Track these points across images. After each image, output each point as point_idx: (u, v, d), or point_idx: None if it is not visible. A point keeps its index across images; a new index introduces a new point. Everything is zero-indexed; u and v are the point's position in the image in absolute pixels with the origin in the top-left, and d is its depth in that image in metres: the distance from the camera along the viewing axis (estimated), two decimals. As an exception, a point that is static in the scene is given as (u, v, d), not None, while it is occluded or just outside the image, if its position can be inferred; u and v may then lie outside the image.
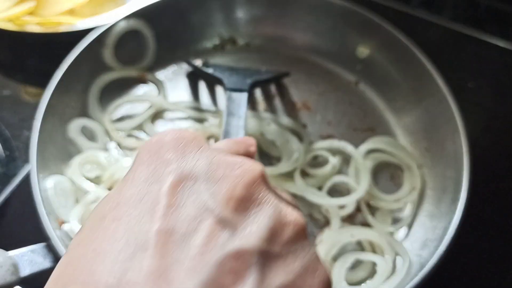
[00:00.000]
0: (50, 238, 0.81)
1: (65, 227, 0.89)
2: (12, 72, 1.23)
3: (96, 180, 0.97)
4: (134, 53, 1.13)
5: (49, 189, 0.89)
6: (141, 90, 1.12)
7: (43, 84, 1.18)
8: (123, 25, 1.07)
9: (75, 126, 1.01)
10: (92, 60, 1.06)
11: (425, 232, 0.94)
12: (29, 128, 1.10)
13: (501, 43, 1.27)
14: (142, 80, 1.13)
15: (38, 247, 0.83)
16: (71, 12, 1.22)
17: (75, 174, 0.96)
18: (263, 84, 1.10)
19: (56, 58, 1.01)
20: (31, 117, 1.12)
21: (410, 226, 0.96)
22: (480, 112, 1.17)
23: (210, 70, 1.09)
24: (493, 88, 1.22)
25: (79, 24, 1.15)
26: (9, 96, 1.19)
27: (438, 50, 1.04)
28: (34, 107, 1.15)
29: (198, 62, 1.13)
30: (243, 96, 0.99)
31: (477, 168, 0.92)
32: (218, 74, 1.07)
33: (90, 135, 1.02)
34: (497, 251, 1.00)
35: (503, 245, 1.01)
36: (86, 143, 1.00)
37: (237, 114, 0.92)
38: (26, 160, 1.05)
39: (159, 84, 1.12)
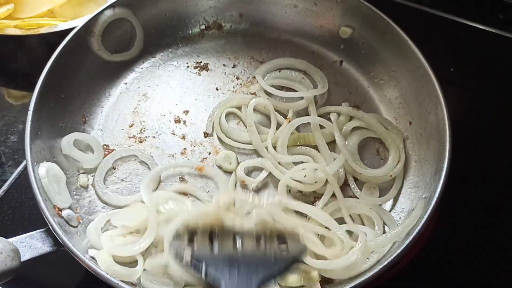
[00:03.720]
0: (49, 223, 0.84)
1: (64, 213, 0.91)
2: (-6, 76, 1.24)
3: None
4: (122, 41, 1.14)
5: (42, 177, 0.90)
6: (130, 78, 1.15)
7: (26, 87, 1.20)
8: (109, 13, 1.09)
9: (67, 142, 1.00)
10: (80, 52, 1.07)
11: (410, 203, 0.97)
12: (14, 132, 1.13)
13: (480, 26, 1.31)
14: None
15: (37, 233, 0.86)
16: (51, 13, 1.22)
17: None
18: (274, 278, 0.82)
19: (39, 60, 1.01)
20: (16, 121, 1.14)
21: (396, 197, 1.00)
22: (462, 94, 1.21)
23: (203, 268, 0.77)
24: (474, 70, 1.26)
25: (60, 25, 1.15)
26: (-7, 101, 1.19)
27: (419, 35, 1.06)
28: (19, 110, 1.16)
29: (186, 257, 0.79)
30: None
31: (459, 143, 0.95)
32: (216, 273, 0.75)
33: (84, 147, 1.03)
34: (477, 222, 1.05)
35: (483, 217, 1.06)
36: (82, 155, 1.01)
37: None
38: (14, 165, 1.08)
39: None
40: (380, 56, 1.13)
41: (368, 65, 1.15)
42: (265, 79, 1.13)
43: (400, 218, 0.96)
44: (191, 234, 0.83)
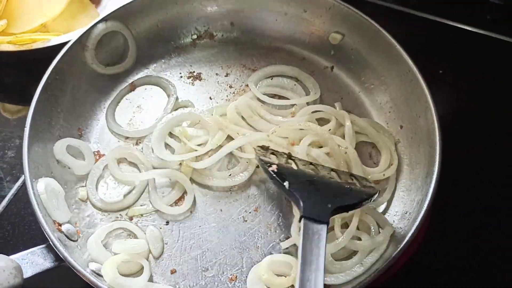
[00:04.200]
0: (50, 239, 0.85)
1: (64, 227, 0.93)
2: (-11, 91, 1.25)
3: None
4: (115, 54, 1.16)
5: (41, 193, 0.92)
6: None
7: (22, 101, 1.21)
8: (101, 27, 1.10)
9: (60, 147, 1.02)
10: (74, 66, 1.09)
11: (403, 206, 0.99)
12: (12, 147, 1.14)
13: (469, 27, 1.32)
14: (132, 89, 1.16)
15: (38, 249, 0.87)
16: (44, 28, 1.24)
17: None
18: (345, 210, 0.89)
19: (34, 74, 1.03)
20: (13, 136, 1.15)
21: (390, 201, 1.02)
22: (451, 96, 1.23)
23: (286, 184, 0.87)
24: (463, 72, 1.28)
25: (53, 39, 1.17)
26: (-11, 116, 1.20)
27: (407, 38, 1.08)
28: (15, 125, 1.18)
29: (273, 167, 0.91)
30: (322, 232, 0.80)
31: (450, 146, 0.97)
32: (295, 191, 0.86)
33: (77, 154, 1.04)
34: (469, 225, 1.06)
35: (475, 220, 1.07)
36: (74, 162, 1.02)
37: (314, 262, 0.76)
38: (12, 180, 1.10)
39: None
40: (369, 61, 1.14)
41: (358, 70, 1.16)
42: (257, 87, 1.15)
43: (393, 221, 0.98)
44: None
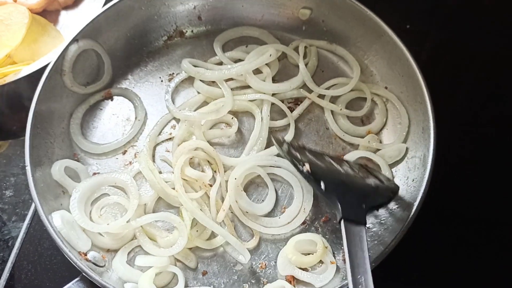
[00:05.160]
0: (84, 271, 0.86)
1: (89, 256, 0.93)
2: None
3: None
4: (91, 72, 1.14)
5: (61, 228, 0.91)
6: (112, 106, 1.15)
7: (1, 137, 1.17)
8: (73, 48, 1.08)
9: (57, 168, 1.01)
10: (56, 93, 1.07)
11: (407, 167, 1.04)
12: (8, 187, 1.12)
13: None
14: (108, 97, 1.15)
15: (73, 284, 0.88)
16: (9, 58, 1.18)
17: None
18: (376, 209, 0.92)
19: (13, 108, 1.03)
20: (6, 174, 1.12)
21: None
22: (423, 45, 1.27)
23: (322, 186, 0.88)
24: (428, 26, 1.32)
25: (24, 69, 1.13)
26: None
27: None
28: (5, 163, 1.12)
29: (306, 167, 0.91)
30: (362, 233, 0.82)
31: (435, 89, 1.01)
32: (332, 193, 0.87)
33: (74, 175, 1.04)
34: (469, 188, 1.12)
35: (473, 180, 1.13)
36: (70, 183, 1.01)
37: (362, 265, 0.78)
38: (18, 220, 1.08)
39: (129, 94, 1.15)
40: (342, 30, 1.17)
41: (333, 41, 1.19)
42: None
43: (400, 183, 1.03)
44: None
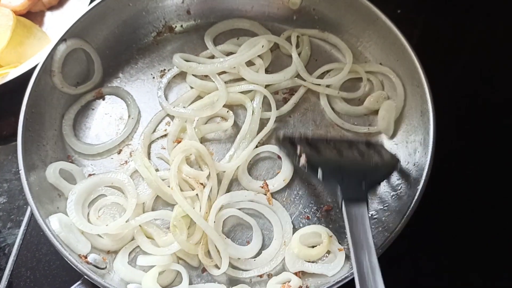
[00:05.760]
0: (86, 274, 0.84)
1: (90, 258, 0.91)
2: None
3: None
4: (81, 72, 1.12)
5: (59, 232, 0.89)
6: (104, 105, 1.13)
7: None
8: (62, 48, 1.06)
9: (52, 171, 0.99)
10: (46, 95, 1.05)
11: (406, 149, 1.03)
12: (1, 193, 1.09)
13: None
14: (100, 96, 1.13)
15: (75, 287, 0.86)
16: None
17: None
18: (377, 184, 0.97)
19: (1, 112, 1.01)
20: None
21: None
22: (414, 30, 1.26)
23: (320, 174, 0.88)
24: (419, 11, 1.31)
25: (12, 72, 1.11)
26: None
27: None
28: None
29: (303, 159, 0.91)
30: (364, 211, 0.82)
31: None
32: (330, 179, 0.88)
33: (69, 177, 1.02)
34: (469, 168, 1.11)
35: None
36: (66, 185, 0.99)
37: (364, 243, 0.78)
38: (14, 226, 1.05)
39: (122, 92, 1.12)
40: (334, 18, 1.15)
41: (325, 29, 1.17)
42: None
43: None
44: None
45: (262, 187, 1.01)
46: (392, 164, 0.94)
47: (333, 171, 0.88)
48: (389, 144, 1.05)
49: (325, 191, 1.01)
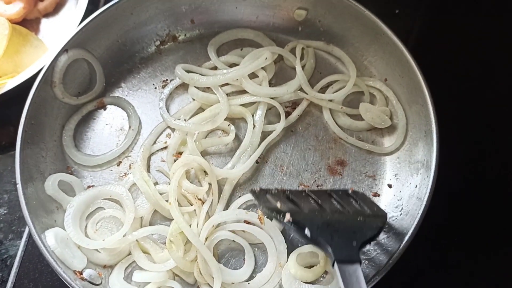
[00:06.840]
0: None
1: (85, 274, 0.90)
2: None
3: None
4: (83, 82, 1.11)
5: (54, 248, 0.89)
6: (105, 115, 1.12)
7: None
8: (64, 58, 1.05)
9: (51, 183, 0.98)
10: (46, 106, 1.04)
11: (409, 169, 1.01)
12: (2, 204, 1.08)
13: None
14: (101, 106, 1.12)
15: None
16: None
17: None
18: (368, 242, 0.87)
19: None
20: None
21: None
22: (412, 30, 1.23)
23: (307, 233, 0.83)
24: (416, 10, 1.28)
25: (10, 82, 1.10)
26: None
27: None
28: None
29: (287, 217, 0.85)
30: (358, 271, 0.78)
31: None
32: (319, 238, 0.82)
33: (68, 188, 1.01)
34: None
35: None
36: (64, 197, 0.99)
37: None
38: (15, 237, 1.05)
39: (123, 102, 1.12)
40: (339, 30, 1.14)
41: (330, 41, 1.15)
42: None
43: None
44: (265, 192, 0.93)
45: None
46: (381, 220, 0.87)
47: (322, 230, 0.83)
48: (391, 163, 1.04)
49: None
